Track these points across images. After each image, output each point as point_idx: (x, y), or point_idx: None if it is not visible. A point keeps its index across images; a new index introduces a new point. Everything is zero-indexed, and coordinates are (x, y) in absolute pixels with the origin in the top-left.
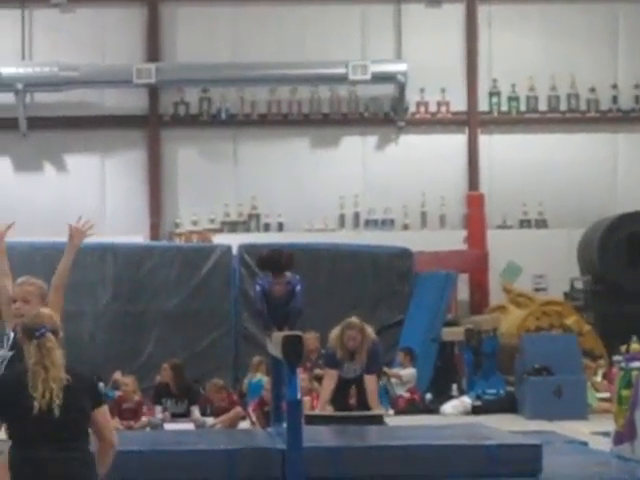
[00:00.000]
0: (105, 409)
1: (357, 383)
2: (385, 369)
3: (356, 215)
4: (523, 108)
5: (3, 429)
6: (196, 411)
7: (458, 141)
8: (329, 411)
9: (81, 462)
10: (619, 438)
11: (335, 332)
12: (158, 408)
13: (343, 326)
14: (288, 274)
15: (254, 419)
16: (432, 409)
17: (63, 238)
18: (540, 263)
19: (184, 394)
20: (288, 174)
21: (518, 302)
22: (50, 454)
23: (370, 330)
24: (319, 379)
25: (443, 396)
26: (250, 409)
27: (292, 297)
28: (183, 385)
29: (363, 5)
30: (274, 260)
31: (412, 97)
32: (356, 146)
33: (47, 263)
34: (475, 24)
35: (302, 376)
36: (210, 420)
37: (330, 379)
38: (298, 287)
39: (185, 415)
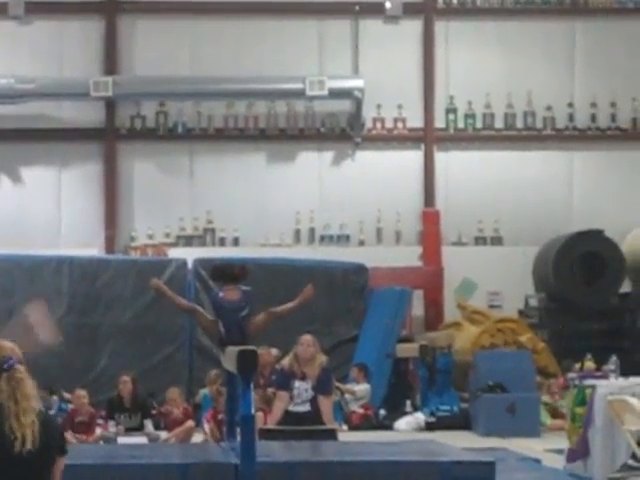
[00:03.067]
0: (64, 460)
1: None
2: (339, 385)
3: (312, 230)
4: (479, 125)
5: None
6: (149, 425)
7: (414, 157)
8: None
9: None
10: (572, 456)
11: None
12: (111, 422)
13: (297, 342)
14: (240, 286)
15: (207, 430)
16: (386, 425)
17: (19, 250)
18: (495, 280)
19: (138, 408)
20: (244, 189)
21: (473, 319)
22: None
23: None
24: (269, 401)
25: (397, 412)
26: (204, 420)
27: (244, 306)
28: (137, 399)
29: (320, 20)
30: (227, 271)
31: (369, 113)
32: (312, 161)
33: (3, 275)
34: (432, 40)
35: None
36: (164, 434)
37: (281, 401)
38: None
39: (138, 429)
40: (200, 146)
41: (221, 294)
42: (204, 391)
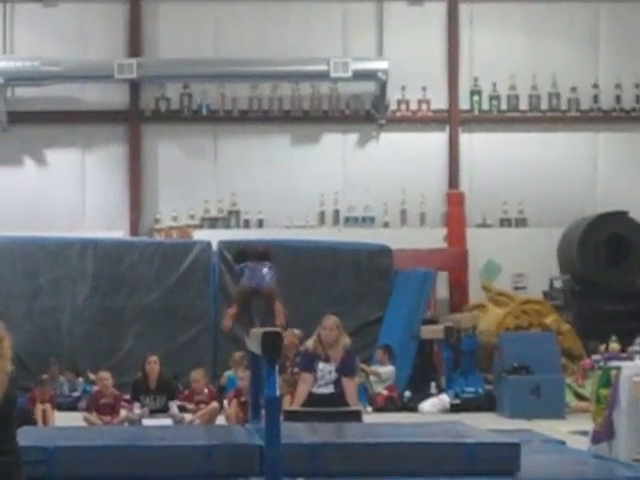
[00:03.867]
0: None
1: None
2: (364, 366)
3: (336, 212)
4: (504, 107)
5: None
6: (174, 406)
7: (439, 139)
8: None
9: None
10: (597, 437)
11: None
12: (136, 404)
13: (321, 324)
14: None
15: (230, 410)
16: (411, 407)
17: (43, 232)
18: (520, 262)
19: (163, 389)
20: (268, 171)
21: (497, 301)
22: None
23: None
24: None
25: (422, 394)
26: (226, 401)
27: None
28: (162, 380)
29: (345, 2)
30: (251, 252)
31: (393, 95)
32: (337, 143)
33: (27, 257)
34: (457, 22)
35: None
36: (188, 416)
37: (305, 382)
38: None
39: (163, 411)
40: (224, 128)
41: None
42: (229, 373)
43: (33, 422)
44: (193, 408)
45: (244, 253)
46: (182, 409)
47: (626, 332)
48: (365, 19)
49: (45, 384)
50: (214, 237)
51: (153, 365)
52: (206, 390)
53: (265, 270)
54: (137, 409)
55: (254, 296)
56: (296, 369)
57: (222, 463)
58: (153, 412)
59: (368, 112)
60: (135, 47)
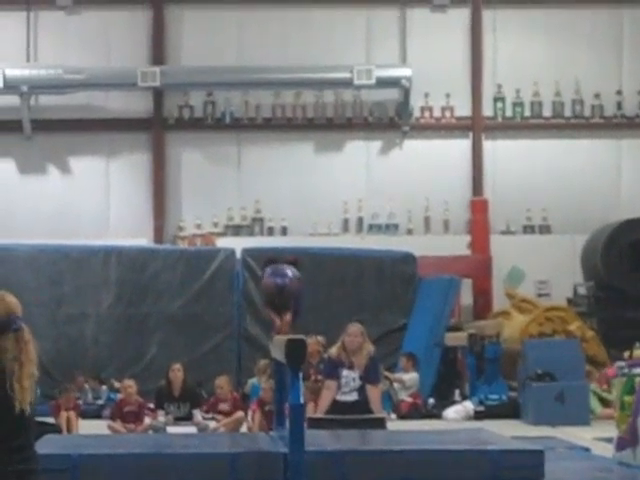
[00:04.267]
0: None
1: (355, 409)
2: (388, 374)
3: (360, 220)
4: (527, 114)
5: None
6: (198, 414)
7: (462, 146)
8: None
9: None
10: (621, 444)
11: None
12: (160, 412)
13: (345, 332)
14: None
15: (251, 421)
16: (435, 414)
17: (67, 241)
18: (543, 269)
19: (187, 397)
20: (292, 178)
21: (521, 307)
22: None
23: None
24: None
25: (446, 401)
26: (250, 410)
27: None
28: (186, 388)
29: (368, 10)
30: (279, 260)
31: (416, 102)
32: (360, 151)
33: (51, 265)
34: (480, 29)
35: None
36: (213, 423)
37: (328, 390)
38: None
39: (187, 418)
40: (248, 135)
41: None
42: (253, 381)
43: (58, 430)
44: (217, 418)
45: (273, 262)
46: (206, 417)
47: None
48: (388, 26)
49: (69, 392)
50: (238, 244)
51: (177, 373)
52: (230, 397)
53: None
54: (161, 417)
55: (278, 293)
56: (320, 376)
57: (246, 471)
58: (177, 420)
59: (392, 119)
60: (158, 55)
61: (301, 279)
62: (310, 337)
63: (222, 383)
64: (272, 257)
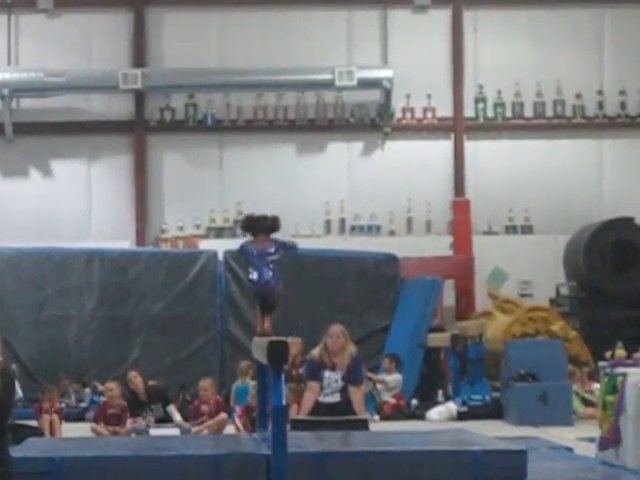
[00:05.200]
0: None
1: (337, 410)
2: (370, 375)
3: (342, 221)
4: (509, 114)
5: None
6: (175, 412)
7: (444, 147)
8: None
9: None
10: (604, 444)
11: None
12: (138, 419)
13: (327, 333)
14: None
15: (240, 425)
16: (418, 415)
17: (49, 243)
18: (526, 269)
19: (154, 399)
20: (274, 180)
21: (504, 308)
22: None
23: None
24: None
25: (429, 402)
26: (236, 415)
27: (274, 252)
28: (150, 390)
29: (349, 11)
30: (259, 222)
31: (398, 103)
32: (342, 152)
33: (34, 268)
34: (461, 30)
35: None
36: (196, 426)
37: (311, 391)
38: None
39: (167, 419)
40: (230, 138)
41: (252, 244)
42: (237, 383)
43: (40, 433)
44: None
45: (252, 223)
46: (187, 414)
47: (632, 338)
48: (369, 27)
49: (51, 393)
50: (220, 247)
51: (135, 380)
52: (213, 399)
53: (270, 261)
54: (142, 420)
55: (260, 294)
56: (302, 377)
57: (229, 473)
58: (158, 422)
59: (373, 120)
60: (139, 57)
61: (282, 243)
62: (292, 338)
63: (206, 385)
64: (251, 217)
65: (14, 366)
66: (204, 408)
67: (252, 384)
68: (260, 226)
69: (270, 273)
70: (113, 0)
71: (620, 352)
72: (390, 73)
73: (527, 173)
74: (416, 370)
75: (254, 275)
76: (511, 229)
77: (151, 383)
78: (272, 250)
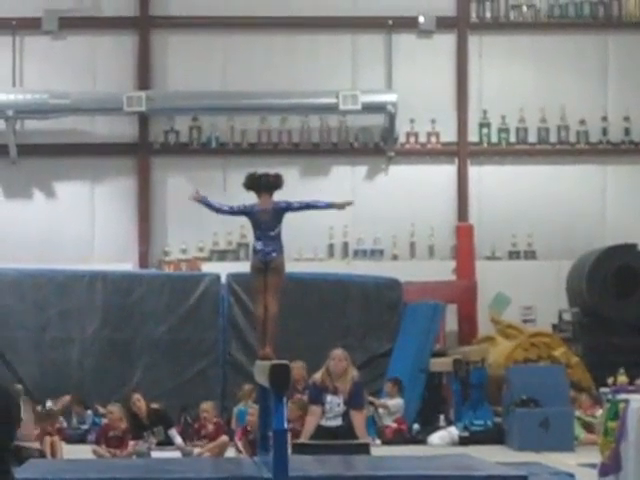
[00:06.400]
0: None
1: (339, 434)
2: (372, 399)
3: (345, 245)
4: (513, 139)
5: None
6: (176, 436)
7: (448, 172)
8: None
9: None
10: (605, 470)
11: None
12: (140, 442)
13: (329, 357)
14: (274, 198)
15: (241, 447)
16: (419, 440)
17: (52, 264)
18: (529, 294)
19: (157, 422)
20: None
21: (506, 333)
22: None
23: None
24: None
25: (431, 427)
26: (236, 437)
27: (276, 224)
28: (153, 413)
29: (354, 35)
30: (262, 179)
31: (402, 127)
32: (346, 176)
33: (36, 289)
34: (466, 55)
35: (290, 405)
36: (197, 449)
37: (313, 415)
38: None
39: (168, 442)
40: (233, 160)
41: (254, 207)
42: (239, 406)
43: (42, 455)
44: (200, 443)
45: (255, 181)
46: (190, 437)
47: (634, 365)
48: (374, 52)
49: (53, 416)
50: (223, 270)
51: (137, 403)
52: (214, 422)
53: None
54: (144, 442)
55: (265, 268)
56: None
57: None
58: (159, 444)
59: (377, 145)
60: (144, 80)
61: (282, 205)
62: (294, 362)
63: (208, 407)
64: (254, 175)
65: (20, 386)
66: (205, 431)
67: (251, 406)
68: (263, 184)
69: (275, 244)
70: (118, 22)
71: (622, 378)
72: (394, 97)
73: (530, 198)
74: (418, 395)
75: (259, 245)
76: (514, 254)
77: (153, 406)
78: (274, 223)
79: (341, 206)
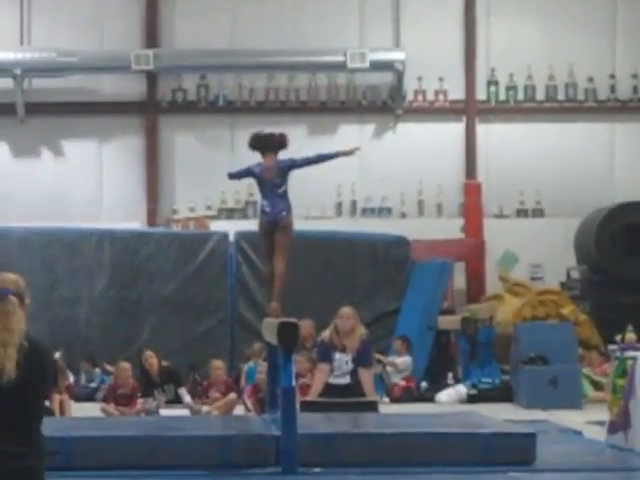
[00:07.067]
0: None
1: (347, 392)
2: (380, 357)
3: (353, 203)
4: (521, 97)
5: None
6: (185, 395)
7: (456, 130)
8: None
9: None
10: (613, 427)
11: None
12: (149, 400)
13: (337, 315)
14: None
15: (250, 406)
16: (428, 397)
17: (59, 223)
18: (537, 252)
19: (168, 380)
20: None
21: (514, 291)
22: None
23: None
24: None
25: (439, 384)
26: (245, 396)
27: (281, 183)
28: (164, 371)
29: None
30: (267, 139)
31: (410, 85)
32: (354, 134)
33: (44, 249)
34: (474, 13)
35: (300, 359)
36: (205, 407)
37: (321, 373)
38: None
39: (177, 401)
40: (241, 119)
41: (259, 166)
42: (249, 364)
43: (51, 413)
44: (209, 401)
45: (260, 140)
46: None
47: None
48: (382, 9)
49: (62, 374)
50: (231, 228)
51: (150, 360)
52: (223, 380)
53: (281, 194)
54: (152, 400)
55: (273, 228)
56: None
57: (238, 453)
58: (168, 403)
59: (385, 103)
60: (152, 38)
61: (286, 164)
62: (303, 320)
63: (220, 364)
64: (259, 134)
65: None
66: (214, 389)
67: (261, 364)
68: (268, 143)
69: (282, 203)
70: None
71: (630, 336)
72: (402, 55)
73: (538, 156)
74: (426, 353)
75: (267, 205)
76: (522, 212)
77: (164, 364)
78: (279, 181)
79: (348, 153)
